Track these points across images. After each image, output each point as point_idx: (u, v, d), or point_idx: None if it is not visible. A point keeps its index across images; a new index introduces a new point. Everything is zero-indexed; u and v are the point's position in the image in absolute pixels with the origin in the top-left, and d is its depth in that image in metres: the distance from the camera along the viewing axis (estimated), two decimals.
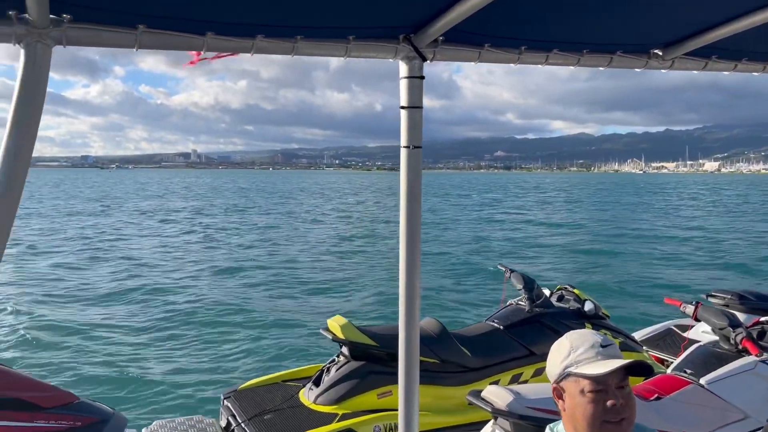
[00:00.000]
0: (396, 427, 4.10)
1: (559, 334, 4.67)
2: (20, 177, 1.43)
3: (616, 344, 1.66)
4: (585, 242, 21.26)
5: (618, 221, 30.14)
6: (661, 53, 2.17)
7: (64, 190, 66.73)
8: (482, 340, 4.70)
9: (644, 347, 5.19)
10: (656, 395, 3.51)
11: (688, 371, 3.67)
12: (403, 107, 2.04)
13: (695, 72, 2.29)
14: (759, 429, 3.46)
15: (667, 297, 4.68)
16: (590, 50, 2.07)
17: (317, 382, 4.37)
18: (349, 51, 1.81)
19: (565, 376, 1.63)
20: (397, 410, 4.14)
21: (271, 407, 4.22)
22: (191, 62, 1.77)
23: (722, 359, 3.70)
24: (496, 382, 4.40)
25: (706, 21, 1.95)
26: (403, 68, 2.00)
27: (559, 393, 1.67)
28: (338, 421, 4.06)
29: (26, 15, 1.39)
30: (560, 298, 5.19)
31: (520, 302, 5.01)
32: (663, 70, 2.22)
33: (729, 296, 5.07)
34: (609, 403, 1.55)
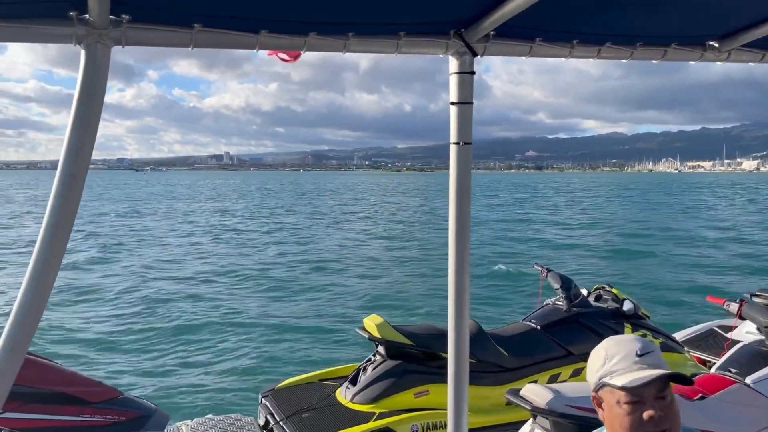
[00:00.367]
0: (433, 426, 4.10)
1: (598, 334, 4.64)
2: (81, 174, 1.46)
3: (658, 348, 1.59)
4: (619, 243, 20.91)
5: (652, 221, 29.58)
6: (717, 45, 2.11)
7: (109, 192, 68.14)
8: (519, 340, 4.66)
9: (686, 348, 5.09)
10: (700, 395, 3.44)
11: (733, 371, 3.59)
12: (453, 103, 2.02)
13: (737, 68, 2.22)
14: None
15: (710, 296, 4.59)
16: (644, 43, 2.02)
17: (354, 381, 4.38)
18: (400, 47, 1.80)
19: (600, 386, 1.58)
20: (434, 409, 4.19)
21: (309, 406, 4.24)
22: (288, 60, 1.80)
23: None
24: (533, 382, 4.36)
25: (765, 11, 1.89)
26: (453, 64, 1.98)
27: (598, 402, 1.62)
28: (375, 420, 4.07)
29: (86, 16, 1.41)
30: (598, 298, 5.12)
31: (557, 302, 4.96)
32: (719, 63, 2.17)
33: None
34: (646, 415, 1.49)
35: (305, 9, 1.61)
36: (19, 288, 1.43)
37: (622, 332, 4.72)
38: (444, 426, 4.14)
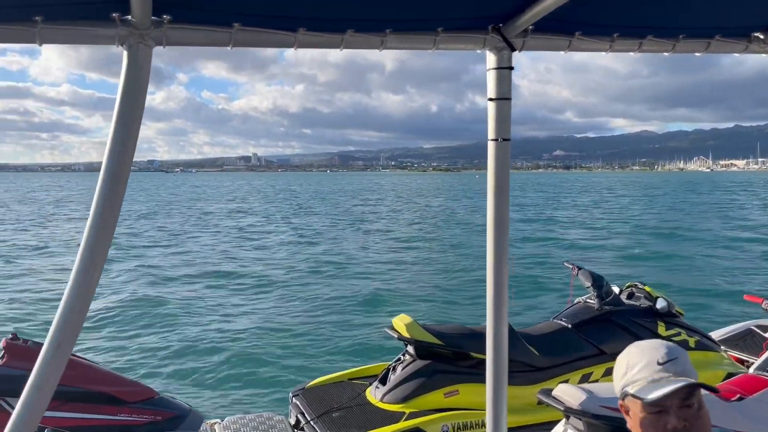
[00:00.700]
0: (464, 426, 4.08)
1: (631, 333, 4.56)
2: (125, 173, 1.48)
3: (684, 354, 1.53)
4: (648, 243, 20.55)
5: (681, 220, 29.02)
6: (762, 37, 2.04)
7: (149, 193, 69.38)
8: (550, 339, 4.61)
9: (722, 347, 4.98)
10: (738, 396, 3.36)
11: None
12: (491, 99, 1.99)
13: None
14: None
15: (747, 294, 4.48)
16: (687, 35, 1.96)
17: (383, 381, 4.38)
18: (437, 43, 1.78)
19: (624, 395, 1.54)
20: (464, 409, 4.17)
21: (339, 405, 4.26)
22: None
23: None
24: (565, 382, 4.31)
25: None
26: (491, 59, 1.95)
27: (625, 410, 1.58)
28: (406, 419, 4.06)
29: (129, 17, 1.43)
30: (630, 296, 5.04)
31: (588, 300, 4.89)
32: (764, 55, 2.10)
33: None
34: (670, 426, 1.44)
35: (343, 6, 1.60)
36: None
37: (655, 330, 4.65)
38: (474, 426, 4.12)
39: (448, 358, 4.33)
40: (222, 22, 1.52)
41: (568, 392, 3.34)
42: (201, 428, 4.05)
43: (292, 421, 4.36)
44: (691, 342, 4.63)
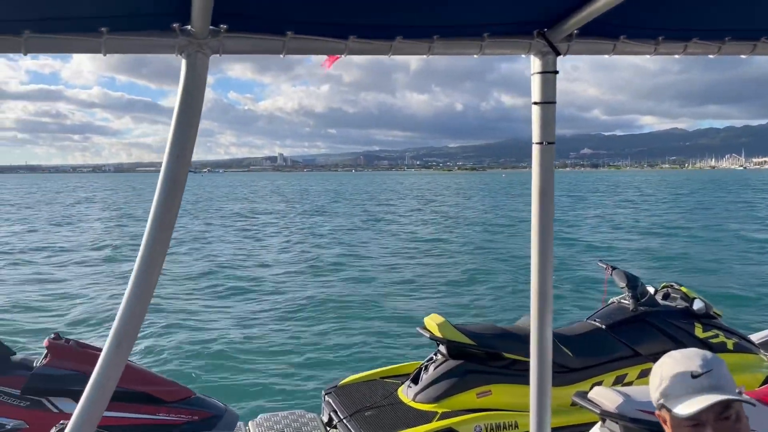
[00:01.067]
0: (497, 426, 4.07)
1: (667, 334, 4.49)
2: (182, 177, 1.53)
3: (721, 364, 1.50)
4: (680, 243, 20.18)
5: (717, 220, 28.44)
6: None
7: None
8: (584, 339, 4.57)
9: (761, 351, 4.87)
10: None
11: None
12: (535, 103, 2.02)
13: None
14: None
15: None
16: (732, 37, 1.95)
17: (415, 380, 4.39)
18: (483, 49, 1.80)
19: (660, 406, 1.54)
20: (497, 410, 4.15)
21: (372, 404, 4.27)
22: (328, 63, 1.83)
23: None
24: (598, 383, 4.27)
25: None
26: (536, 63, 1.97)
27: (662, 419, 1.57)
28: (438, 419, 4.06)
29: (188, 27, 1.48)
30: (666, 297, 4.96)
31: (623, 300, 4.83)
32: None
33: None
34: None
35: (392, 14, 1.63)
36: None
37: (692, 332, 4.57)
38: (508, 427, 4.10)
39: (480, 358, 4.32)
40: (275, 31, 1.56)
41: (605, 395, 3.31)
42: (236, 427, 4.11)
43: (325, 419, 4.39)
44: (729, 344, 4.55)
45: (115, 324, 1.54)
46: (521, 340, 4.27)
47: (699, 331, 4.58)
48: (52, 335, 3.92)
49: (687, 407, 1.43)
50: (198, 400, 3.98)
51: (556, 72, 1.98)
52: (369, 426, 4.03)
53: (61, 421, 2.75)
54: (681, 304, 4.79)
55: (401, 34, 1.68)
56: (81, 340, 4.14)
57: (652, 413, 3.10)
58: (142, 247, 1.52)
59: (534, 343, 2.18)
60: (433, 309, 5.83)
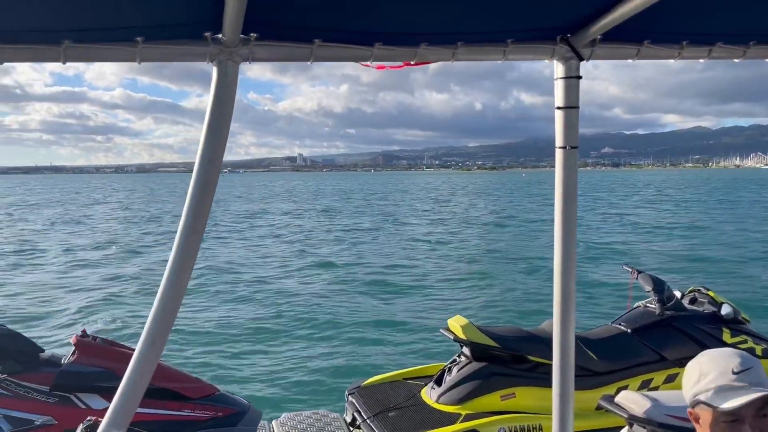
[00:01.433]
0: (521, 429, 4.05)
1: (694, 339, 4.43)
2: (213, 181, 1.57)
3: (758, 363, 1.49)
4: (703, 246, 19.88)
5: (742, 221, 27.98)
6: None
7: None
8: (609, 343, 4.53)
9: None
10: None
11: None
12: (558, 108, 2.01)
13: None
14: None
15: None
16: (758, 41, 1.94)
17: (439, 382, 4.39)
18: (507, 54, 1.81)
19: (695, 403, 1.52)
20: (521, 413, 4.14)
21: (395, 404, 4.28)
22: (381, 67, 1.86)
23: None
24: (624, 388, 4.24)
25: None
26: (559, 69, 1.97)
27: (695, 417, 1.56)
28: (462, 421, 4.06)
29: (219, 36, 1.52)
30: (693, 301, 4.90)
31: (649, 304, 4.78)
32: None
33: None
34: None
35: (417, 21, 1.65)
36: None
37: (720, 337, 4.51)
38: (532, 429, 4.08)
39: (504, 360, 4.30)
40: (303, 39, 1.59)
41: (632, 399, 3.28)
42: (259, 425, 4.13)
43: (348, 419, 4.41)
44: (758, 350, 4.47)
45: (148, 323, 1.59)
46: (545, 343, 4.24)
47: (727, 337, 4.52)
48: (80, 332, 3.98)
49: (729, 402, 1.42)
50: (222, 397, 4.02)
51: (580, 77, 1.98)
52: (392, 427, 4.03)
53: (89, 417, 2.79)
54: (708, 308, 4.72)
55: (426, 41, 1.70)
56: (107, 338, 4.19)
57: (681, 418, 3.08)
58: (174, 249, 1.56)
59: (557, 345, 2.18)
60: (456, 311, 5.84)
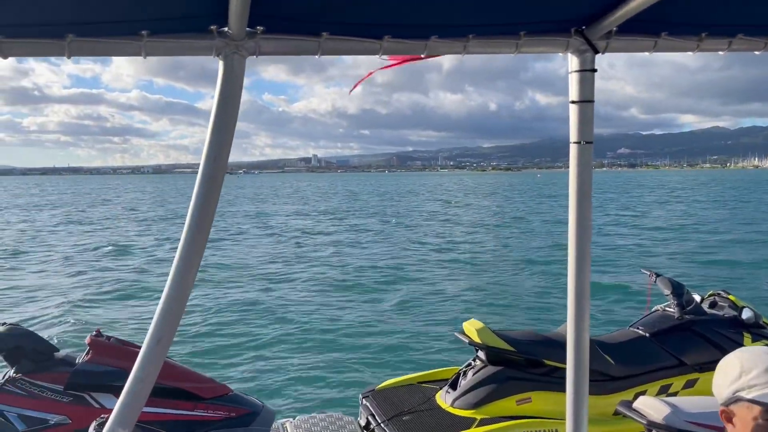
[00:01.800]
0: None
1: (714, 344, 4.34)
2: (219, 178, 1.55)
3: None
4: (723, 249, 19.60)
5: (760, 223, 27.58)
6: None
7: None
8: (627, 347, 4.45)
9: None
10: None
11: None
12: (573, 102, 1.97)
13: None
14: None
15: None
16: None
17: (454, 386, 4.34)
18: (520, 47, 1.77)
19: (734, 400, 1.49)
20: (537, 418, 4.08)
21: (410, 408, 4.24)
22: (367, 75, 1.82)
23: None
24: (642, 393, 4.17)
25: None
26: (573, 62, 1.93)
27: (728, 416, 1.52)
28: (477, 426, 4.01)
29: (225, 29, 1.49)
30: (713, 305, 4.81)
31: (667, 308, 4.70)
32: None
33: None
34: None
35: (427, 13, 1.61)
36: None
37: (741, 342, 4.42)
38: None
39: (520, 364, 4.25)
40: (311, 32, 1.56)
41: (651, 405, 3.21)
42: (273, 425, 4.12)
43: (362, 423, 4.38)
44: None
45: (153, 321, 1.57)
46: (562, 347, 4.16)
47: (748, 341, 4.43)
48: (94, 332, 3.99)
49: None
50: (235, 396, 4.01)
51: (595, 70, 1.93)
52: (407, 430, 4.00)
53: (102, 415, 2.78)
54: (729, 312, 4.64)
55: (436, 33, 1.66)
56: (121, 338, 4.20)
57: (702, 425, 3.02)
58: (179, 247, 1.54)
59: (571, 347, 2.13)
60: (471, 314, 5.79)
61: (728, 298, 4.76)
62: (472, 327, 4.30)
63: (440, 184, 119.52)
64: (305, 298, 12.38)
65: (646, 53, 1.88)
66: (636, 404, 3.29)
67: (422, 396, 4.42)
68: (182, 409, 3.77)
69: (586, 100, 1.96)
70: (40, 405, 3.64)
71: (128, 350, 3.85)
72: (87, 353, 3.85)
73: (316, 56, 1.59)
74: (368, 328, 9.76)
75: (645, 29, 1.82)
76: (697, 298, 4.79)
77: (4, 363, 3.79)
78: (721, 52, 1.93)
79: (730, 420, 1.52)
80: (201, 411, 3.80)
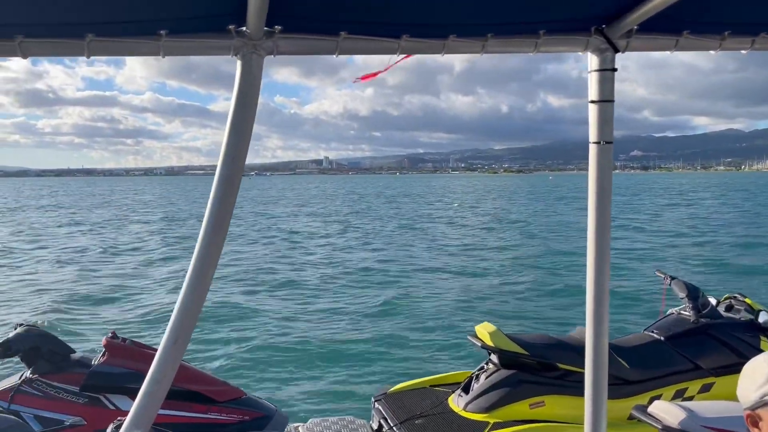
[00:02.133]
0: None
1: (731, 348, 4.30)
2: (237, 176, 1.55)
3: None
4: (742, 252, 19.37)
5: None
6: None
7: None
8: (641, 351, 4.41)
9: None
10: None
11: None
12: (592, 101, 1.95)
13: None
14: None
15: None
16: None
17: (466, 389, 4.32)
18: (539, 46, 1.75)
19: (763, 404, 1.45)
20: (550, 422, 4.05)
21: (422, 412, 4.23)
22: (370, 75, 1.81)
23: None
24: (657, 397, 4.13)
25: None
26: (593, 61, 1.91)
27: (754, 420, 1.48)
28: (490, 429, 3.99)
29: (243, 28, 1.49)
30: (729, 308, 4.76)
31: (682, 311, 4.65)
32: None
33: None
34: None
35: (445, 12, 1.60)
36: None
37: (758, 346, 4.37)
38: None
39: (533, 368, 4.22)
40: (329, 31, 1.55)
41: (666, 409, 3.18)
42: (286, 429, 4.12)
43: (375, 426, 4.37)
44: None
45: (171, 321, 1.57)
46: (576, 350, 4.16)
47: (765, 345, 4.37)
48: (110, 334, 4.01)
49: None
50: (249, 400, 4.01)
51: (615, 69, 1.91)
52: None
53: (118, 418, 2.80)
54: (745, 316, 4.59)
55: (455, 33, 1.65)
56: (136, 340, 4.23)
57: (719, 430, 2.98)
58: (197, 247, 1.55)
59: (589, 351, 2.11)
60: (483, 318, 5.76)
61: (744, 302, 4.71)
62: (484, 330, 4.28)
63: (453, 185, 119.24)
64: (316, 301, 12.39)
65: (667, 52, 1.86)
66: (651, 408, 3.26)
67: (435, 399, 4.40)
68: (196, 412, 3.78)
69: (606, 100, 1.94)
70: (55, 406, 3.66)
71: (143, 352, 3.87)
72: (102, 355, 3.87)
73: (334, 55, 1.59)
74: (381, 332, 9.76)
75: (666, 28, 1.80)
76: (713, 301, 4.74)
77: (21, 364, 3.82)
78: (743, 51, 1.90)
79: (756, 424, 1.48)
80: (215, 414, 3.81)
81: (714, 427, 2.98)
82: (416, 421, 4.12)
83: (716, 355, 4.32)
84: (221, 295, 12.58)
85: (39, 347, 3.78)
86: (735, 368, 4.26)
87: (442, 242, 22.86)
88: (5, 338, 3.74)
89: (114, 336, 3.99)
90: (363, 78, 1.87)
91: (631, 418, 3.73)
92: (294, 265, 17.73)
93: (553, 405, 4.12)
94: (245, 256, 19.36)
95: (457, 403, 4.29)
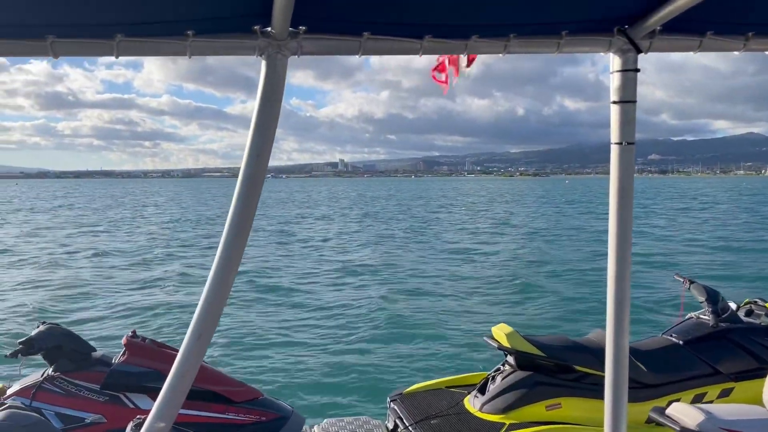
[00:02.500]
0: None
1: (751, 353, 4.25)
2: (261, 175, 1.57)
3: None
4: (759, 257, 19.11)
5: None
6: None
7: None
8: (660, 355, 4.38)
9: None
10: None
11: None
12: (614, 102, 1.95)
13: None
14: None
15: None
16: None
17: (482, 390, 4.31)
18: (561, 47, 1.76)
19: None
20: (567, 424, 4.04)
21: (437, 413, 4.23)
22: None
23: None
24: (675, 401, 4.09)
25: None
26: (615, 62, 1.91)
27: None
28: (506, 431, 3.98)
29: (268, 29, 1.51)
30: (749, 313, 4.70)
31: (702, 316, 4.61)
32: None
33: None
34: None
35: (468, 12, 1.61)
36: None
37: None
38: None
39: (550, 369, 4.20)
40: (352, 32, 1.57)
41: (684, 412, 3.17)
42: (302, 429, 4.14)
43: (390, 426, 4.37)
44: None
45: (194, 318, 1.60)
46: (593, 353, 4.14)
47: None
48: (130, 333, 4.06)
49: None
50: (266, 401, 4.04)
51: (637, 70, 1.91)
52: None
53: (138, 416, 2.83)
54: (765, 321, 4.53)
55: (477, 33, 1.66)
56: (157, 339, 4.27)
57: None
58: (220, 245, 1.56)
59: (609, 354, 2.10)
60: (500, 319, 5.75)
61: (765, 307, 4.66)
62: (501, 331, 4.28)
63: (469, 188, 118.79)
64: (332, 301, 12.42)
65: (687, 54, 1.86)
66: (669, 410, 3.25)
67: (450, 400, 4.40)
68: (213, 412, 3.81)
69: (628, 101, 1.94)
70: (76, 403, 3.71)
71: (163, 352, 3.91)
72: (123, 354, 3.91)
73: (358, 56, 1.60)
74: (397, 333, 9.76)
75: (690, 28, 1.79)
76: (733, 306, 4.69)
77: (44, 361, 3.87)
78: (767, 53, 1.90)
79: None
80: (232, 414, 3.84)
81: (732, 430, 2.96)
82: (431, 422, 4.12)
83: (736, 360, 4.28)
84: (235, 297, 12.69)
85: (61, 345, 3.83)
86: (755, 373, 4.21)
87: (459, 246, 22.79)
88: (28, 336, 3.80)
89: (134, 335, 4.04)
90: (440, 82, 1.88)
91: (649, 420, 3.71)
92: (311, 264, 17.80)
93: (570, 407, 4.10)
94: (258, 255, 19.49)
95: (473, 403, 4.29)
